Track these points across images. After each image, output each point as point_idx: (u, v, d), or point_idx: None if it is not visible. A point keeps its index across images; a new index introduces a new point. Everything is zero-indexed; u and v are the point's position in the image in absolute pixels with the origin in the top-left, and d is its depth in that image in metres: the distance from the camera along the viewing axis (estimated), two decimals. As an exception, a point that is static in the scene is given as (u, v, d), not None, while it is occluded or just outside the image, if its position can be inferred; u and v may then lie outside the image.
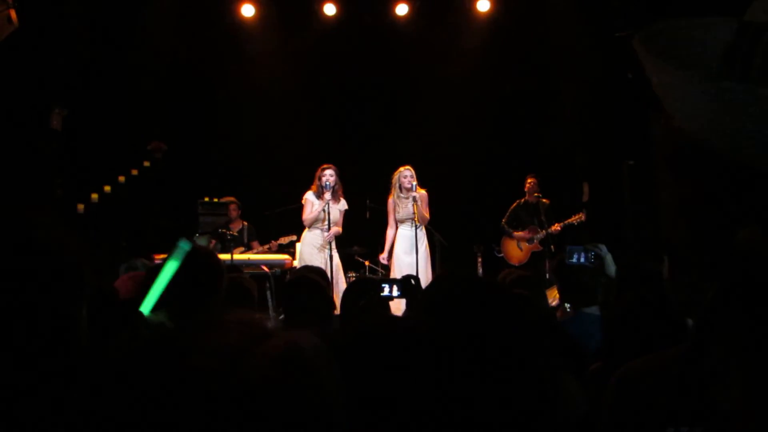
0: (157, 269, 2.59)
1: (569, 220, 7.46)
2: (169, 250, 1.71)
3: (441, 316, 1.33)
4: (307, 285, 3.06)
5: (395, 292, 2.69)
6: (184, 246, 1.71)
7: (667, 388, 1.28)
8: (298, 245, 7.14)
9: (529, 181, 7.83)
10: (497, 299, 1.32)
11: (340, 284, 6.45)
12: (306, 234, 6.73)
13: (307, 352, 0.67)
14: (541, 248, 7.66)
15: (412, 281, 2.87)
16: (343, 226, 6.86)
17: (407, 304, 2.94)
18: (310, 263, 6.43)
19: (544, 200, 7.74)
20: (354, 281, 3.46)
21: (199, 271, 2.47)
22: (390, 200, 6.82)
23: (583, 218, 7.40)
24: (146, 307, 1.65)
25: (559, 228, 7.45)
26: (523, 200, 7.88)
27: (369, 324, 1.16)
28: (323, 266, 6.38)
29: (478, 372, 1.17)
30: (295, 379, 0.64)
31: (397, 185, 6.72)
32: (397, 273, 6.72)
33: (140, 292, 2.70)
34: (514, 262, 7.86)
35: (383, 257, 6.92)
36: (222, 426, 0.59)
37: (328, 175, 6.63)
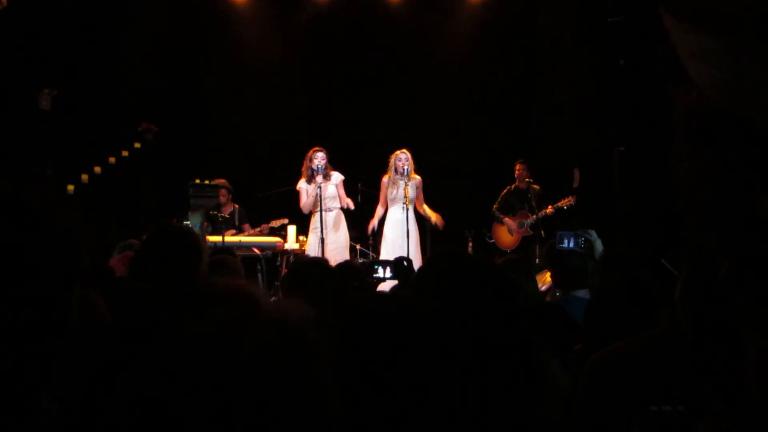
0: (145, 247, 2.63)
1: (559, 204, 7.54)
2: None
3: (437, 294, 1.37)
4: (314, 267, 3.07)
5: (388, 274, 2.73)
6: None
7: (647, 369, 1.31)
8: (290, 228, 7.19)
9: (518, 167, 7.89)
10: (490, 277, 1.38)
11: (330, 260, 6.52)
12: (312, 219, 6.81)
13: (295, 322, 0.67)
14: (531, 233, 7.74)
15: (405, 263, 2.91)
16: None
17: (399, 286, 2.98)
18: (312, 247, 6.53)
19: (534, 185, 7.80)
20: (341, 264, 3.47)
21: (178, 249, 2.52)
22: (384, 179, 6.90)
23: (572, 202, 7.48)
24: None
25: (552, 210, 7.53)
26: (513, 186, 7.94)
27: (370, 302, 1.20)
28: (315, 248, 6.47)
29: (473, 349, 1.22)
30: (287, 352, 0.65)
31: (393, 167, 6.81)
32: (385, 255, 6.80)
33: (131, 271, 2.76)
34: (505, 247, 7.93)
35: (372, 227, 6.99)
36: (221, 401, 0.60)
37: (320, 158, 6.67)
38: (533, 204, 7.66)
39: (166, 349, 0.63)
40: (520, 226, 7.80)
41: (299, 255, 6.81)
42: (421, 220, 7.02)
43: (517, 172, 7.89)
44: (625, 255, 3.01)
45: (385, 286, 3.19)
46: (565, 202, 7.50)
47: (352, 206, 6.88)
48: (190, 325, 0.64)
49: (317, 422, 0.65)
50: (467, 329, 1.24)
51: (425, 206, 6.99)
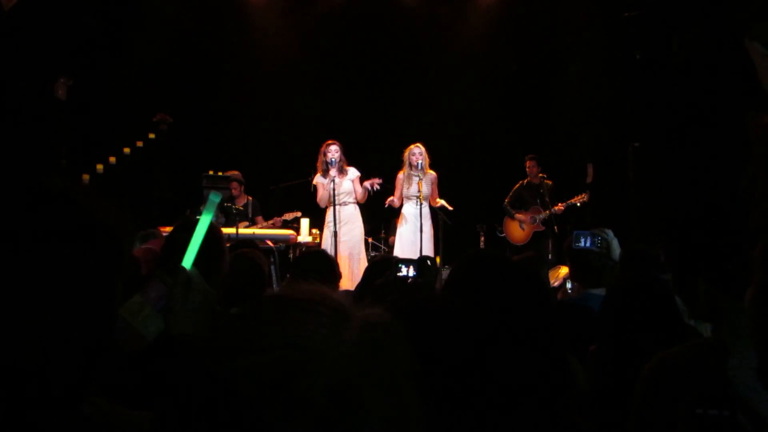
0: (170, 242, 2.70)
1: (572, 201, 7.57)
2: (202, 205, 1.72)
3: (471, 295, 1.38)
4: (315, 254, 3.17)
5: (411, 273, 2.77)
6: (214, 198, 1.71)
7: (704, 376, 1.32)
8: (303, 221, 7.26)
9: (528, 164, 7.95)
10: (525, 279, 1.40)
11: (354, 259, 6.58)
12: (327, 212, 6.83)
13: (385, 333, 0.66)
14: (543, 228, 7.79)
15: (428, 262, 2.95)
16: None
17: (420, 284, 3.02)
18: (326, 240, 6.59)
19: (547, 181, 7.85)
20: (376, 259, 3.54)
21: (203, 244, 2.57)
22: (399, 175, 6.96)
23: (585, 199, 7.51)
24: (187, 262, 1.60)
25: (562, 207, 7.57)
26: (526, 181, 7.99)
27: (406, 303, 1.18)
28: (329, 242, 6.53)
29: (506, 350, 1.23)
30: (379, 363, 0.63)
31: (407, 162, 6.85)
32: (398, 249, 6.87)
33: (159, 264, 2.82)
34: (516, 242, 8.00)
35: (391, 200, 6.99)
36: (311, 415, 0.58)
37: (333, 151, 6.72)
38: (546, 199, 7.70)
39: (254, 356, 0.60)
40: (532, 221, 7.85)
41: (311, 248, 6.89)
42: (434, 215, 7.07)
43: (527, 168, 7.94)
44: (643, 253, 3.05)
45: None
46: (578, 199, 7.54)
47: (377, 185, 6.84)
48: (279, 331, 0.62)
49: (404, 424, 0.64)
50: (502, 330, 1.26)
51: (438, 200, 7.04)
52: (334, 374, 0.59)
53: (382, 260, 3.29)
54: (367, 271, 3.18)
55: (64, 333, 0.84)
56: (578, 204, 7.54)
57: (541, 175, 7.88)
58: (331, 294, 0.67)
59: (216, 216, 6.86)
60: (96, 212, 0.88)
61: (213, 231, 2.77)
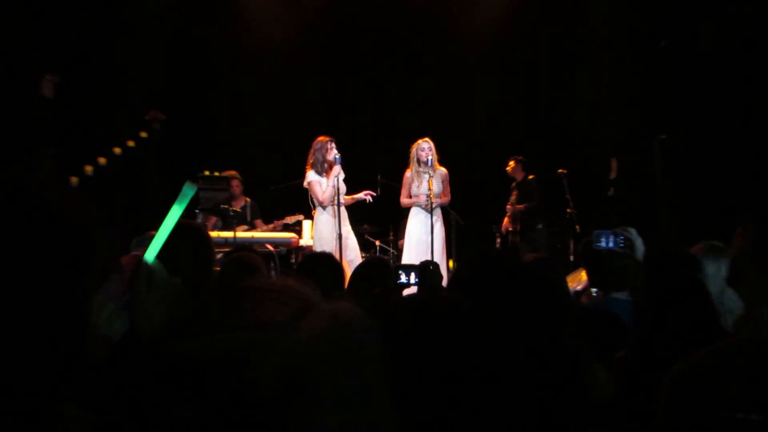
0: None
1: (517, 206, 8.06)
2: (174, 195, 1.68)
3: (480, 297, 1.35)
4: (320, 258, 3.15)
5: (413, 280, 2.72)
6: (189, 191, 1.68)
7: (731, 378, 1.29)
8: (305, 223, 7.20)
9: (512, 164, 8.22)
10: (535, 280, 1.38)
11: (351, 255, 6.50)
12: (325, 212, 6.65)
13: (351, 324, 0.68)
14: (511, 228, 8.18)
15: (431, 267, 2.90)
16: (353, 206, 6.86)
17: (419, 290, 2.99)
18: (328, 239, 6.49)
19: (530, 176, 8.11)
20: (365, 262, 3.48)
21: (194, 247, 2.52)
22: (407, 174, 6.72)
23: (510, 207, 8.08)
24: (150, 255, 1.59)
25: (510, 207, 8.09)
26: (515, 182, 8.27)
27: (406, 303, 1.20)
28: (333, 241, 6.44)
29: (519, 357, 1.19)
30: (341, 353, 0.66)
31: (415, 158, 6.64)
32: (408, 252, 6.73)
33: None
34: None
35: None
36: (271, 401, 0.61)
37: (335, 148, 6.60)
38: (535, 197, 7.96)
39: (215, 340, 0.64)
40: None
41: (315, 252, 6.82)
42: (446, 214, 6.94)
43: (510, 168, 8.20)
44: (672, 253, 2.96)
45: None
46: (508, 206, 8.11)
47: (370, 198, 6.79)
48: (243, 318, 0.66)
49: (366, 417, 0.66)
50: (513, 336, 1.22)
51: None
52: (287, 359, 0.62)
53: (372, 263, 3.26)
54: (356, 272, 3.12)
55: (25, 335, 0.83)
56: (507, 210, 8.02)
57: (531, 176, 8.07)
58: (300, 287, 0.70)
59: (206, 218, 6.82)
60: (63, 213, 0.88)
61: (202, 235, 2.73)
